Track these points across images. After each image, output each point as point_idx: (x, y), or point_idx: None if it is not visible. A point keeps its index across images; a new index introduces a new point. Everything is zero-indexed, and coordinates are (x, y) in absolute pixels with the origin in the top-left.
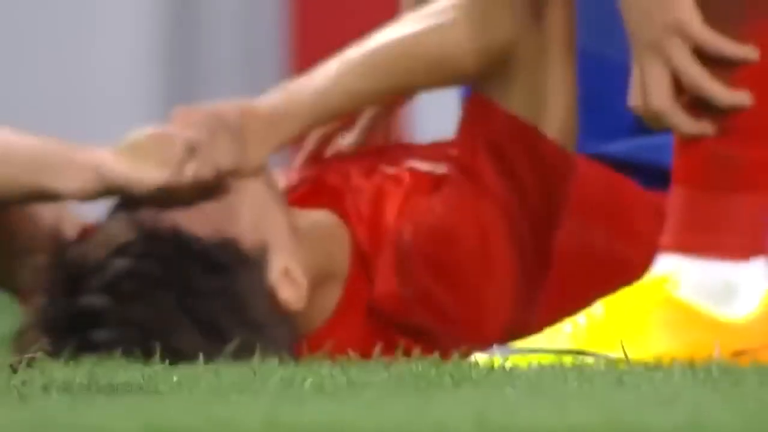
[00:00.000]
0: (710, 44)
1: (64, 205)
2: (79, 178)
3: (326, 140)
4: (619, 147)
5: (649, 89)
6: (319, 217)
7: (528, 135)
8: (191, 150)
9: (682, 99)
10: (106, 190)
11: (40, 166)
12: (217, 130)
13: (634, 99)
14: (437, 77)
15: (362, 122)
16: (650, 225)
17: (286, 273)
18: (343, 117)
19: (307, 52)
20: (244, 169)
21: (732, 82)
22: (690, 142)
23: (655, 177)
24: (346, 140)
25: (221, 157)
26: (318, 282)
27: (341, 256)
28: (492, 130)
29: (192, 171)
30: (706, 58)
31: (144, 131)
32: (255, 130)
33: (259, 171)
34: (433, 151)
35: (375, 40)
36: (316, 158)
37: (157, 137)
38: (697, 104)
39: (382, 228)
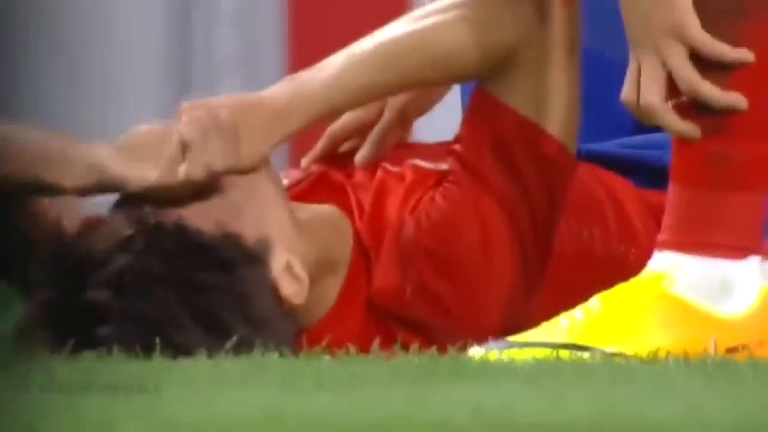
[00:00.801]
0: (708, 49)
1: (65, 197)
2: (77, 173)
3: (335, 144)
4: (610, 145)
5: (643, 85)
6: (321, 210)
7: (531, 132)
8: (184, 149)
9: (676, 99)
10: (102, 186)
11: (40, 160)
12: (210, 130)
13: (627, 94)
14: (442, 74)
15: (373, 136)
16: (647, 224)
17: (288, 268)
18: (348, 110)
19: (307, 53)
20: (242, 166)
21: (728, 81)
22: (687, 141)
23: (647, 175)
24: (359, 155)
25: (213, 157)
26: (319, 275)
27: (343, 250)
28: (496, 126)
29: (183, 171)
30: (703, 58)
31: (141, 128)
32: (260, 122)
33: (262, 163)
34: (436, 150)
35: (382, 35)
36: (323, 160)
37: (153, 135)
38: (693, 104)
39: (384, 222)
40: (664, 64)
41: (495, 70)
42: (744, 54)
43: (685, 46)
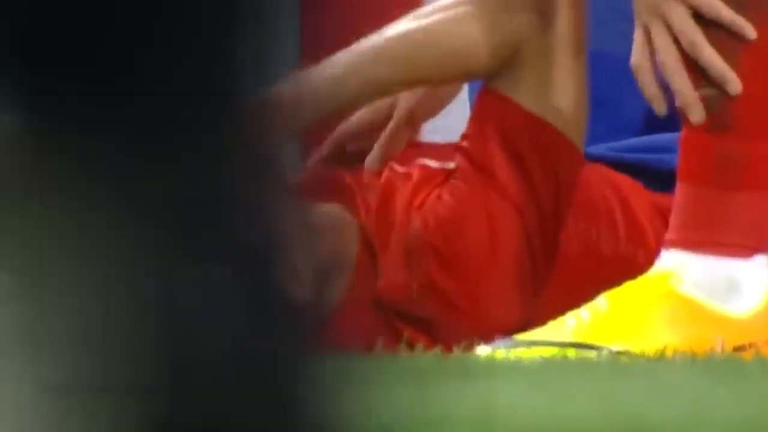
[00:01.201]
0: (707, 7)
1: None
2: None
3: (342, 145)
4: (615, 150)
5: (659, 45)
6: (328, 210)
7: (538, 129)
8: None
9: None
10: None
11: None
12: None
13: (636, 59)
14: (451, 71)
15: (382, 140)
16: (656, 225)
17: (293, 270)
18: (353, 108)
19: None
20: None
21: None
22: (695, 140)
23: (653, 179)
24: (369, 160)
25: None
26: (324, 275)
27: (350, 249)
28: (503, 123)
29: None
30: (709, 35)
31: None
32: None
33: None
34: (444, 151)
35: (389, 32)
36: (330, 160)
37: None
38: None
39: (390, 219)
40: (668, 27)
41: (502, 67)
42: (747, 26)
43: (687, 6)
